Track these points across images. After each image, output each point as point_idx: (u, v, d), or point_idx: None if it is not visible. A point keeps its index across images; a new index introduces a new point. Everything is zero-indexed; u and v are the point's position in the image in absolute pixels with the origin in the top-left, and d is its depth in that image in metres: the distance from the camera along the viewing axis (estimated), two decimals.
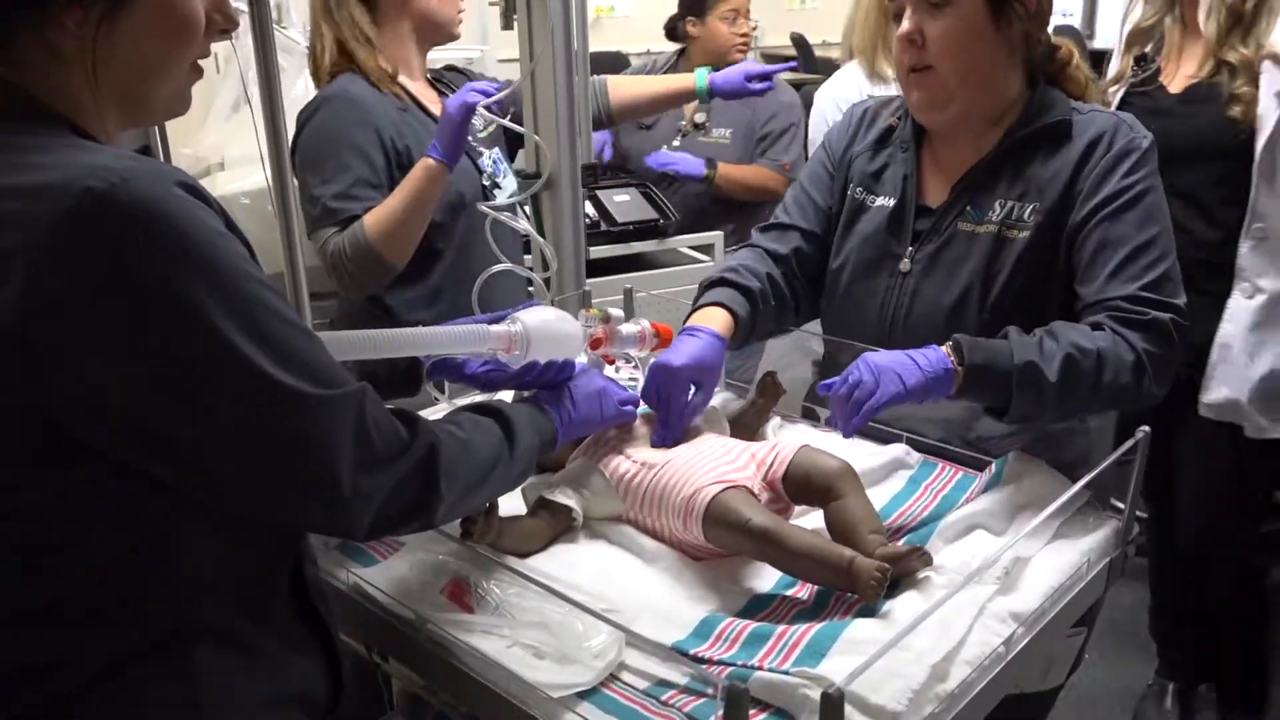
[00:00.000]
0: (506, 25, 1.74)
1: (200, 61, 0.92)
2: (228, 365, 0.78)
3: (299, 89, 2.43)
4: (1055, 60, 1.45)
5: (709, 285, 1.51)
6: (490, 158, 2.01)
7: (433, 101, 1.98)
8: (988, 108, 1.43)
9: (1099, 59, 2.48)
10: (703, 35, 3.06)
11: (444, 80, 2.09)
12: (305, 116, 1.87)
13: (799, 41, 6.80)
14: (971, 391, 1.26)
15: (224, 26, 0.92)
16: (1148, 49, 2.10)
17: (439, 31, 1.97)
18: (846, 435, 1.23)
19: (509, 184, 2.02)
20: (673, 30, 3.24)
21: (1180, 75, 2.01)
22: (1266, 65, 1.87)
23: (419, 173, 1.75)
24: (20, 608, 0.84)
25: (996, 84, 1.41)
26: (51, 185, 0.75)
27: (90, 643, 0.85)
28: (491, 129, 1.87)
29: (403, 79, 1.94)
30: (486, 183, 1.97)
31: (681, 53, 3.20)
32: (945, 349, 1.25)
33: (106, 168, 0.75)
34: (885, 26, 2.20)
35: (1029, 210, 1.38)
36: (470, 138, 1.89)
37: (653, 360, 1.36)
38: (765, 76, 2.13)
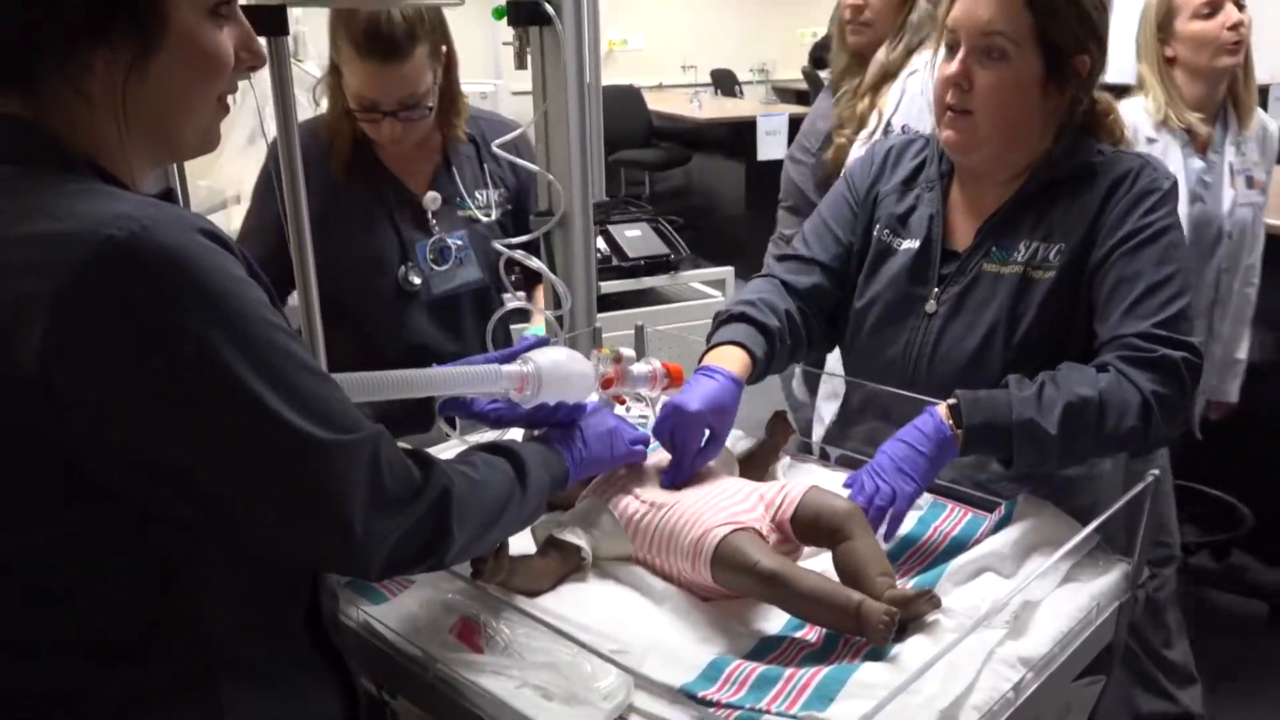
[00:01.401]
0: (520, 65, 1.76)
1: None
2: (246, 411, 0.79)
3: (308, 112, 2.46)
4: (1095, 114, 1.45)
5: (727, 319, 1.49)
6: (439, 244, 1.96)
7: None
8: (1018, 159, 1.43)
9: (1107, 92, 2.52)
10: None
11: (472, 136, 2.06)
12: None
13: (810, 76, 6.85)
14: (974, 449, 1.27)
15: (251, 63, 0.94)
16: None
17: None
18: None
19: (465, 272, 1.97)
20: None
21: None
22: None
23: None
24: (46, 640, 0.85)
25: (1031, 138, 1.42)
26: (74, 233, 0.76)
27: (115, 676, 0.86)
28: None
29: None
30: (419, 276, 1.94)
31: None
32: (943, 411, 1.27)
33: (128, 216, 0.77)
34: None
35: (1054, 251, 1.39)
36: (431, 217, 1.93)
37: (667, 400, 1.36)
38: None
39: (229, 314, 0.79)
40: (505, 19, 1.70)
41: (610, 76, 2.52)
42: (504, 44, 1.84)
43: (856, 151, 2.17)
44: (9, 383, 0.76)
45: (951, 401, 1.27)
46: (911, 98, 2.17)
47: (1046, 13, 1.33)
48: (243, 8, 0.93)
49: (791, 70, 7.04)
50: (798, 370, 2.14)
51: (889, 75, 2.19)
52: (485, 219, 1.98)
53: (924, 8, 2.19)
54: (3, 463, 0.79)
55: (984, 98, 1.37)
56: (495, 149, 1.72)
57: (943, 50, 1.41)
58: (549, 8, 1.69)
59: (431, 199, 1.92)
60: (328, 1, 1.48)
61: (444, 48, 1.89)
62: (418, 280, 1.94)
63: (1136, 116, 2.26)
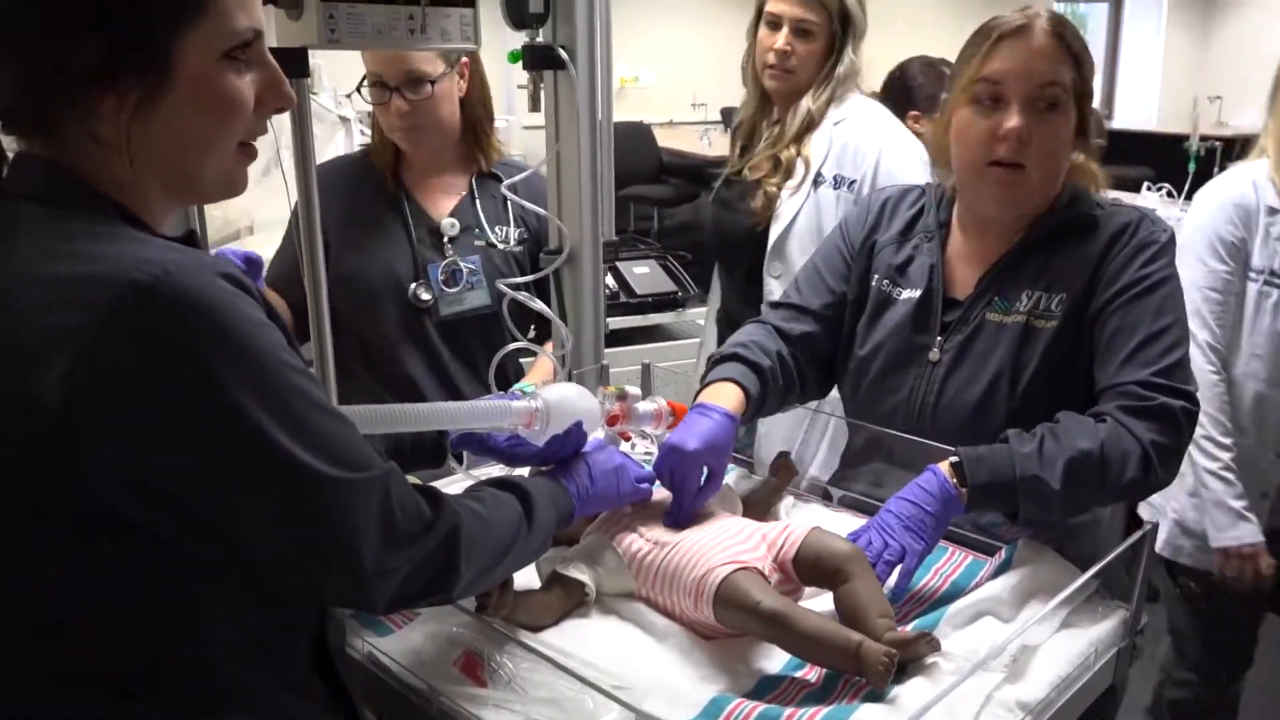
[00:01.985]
0: (534, 107, 1.79)
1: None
2: (262, 452, 0.82)
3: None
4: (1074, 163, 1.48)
5: (719, 360, 1.52)
6: (451, 265, 1.99)
7: None
8: (1042, 208, 1.46)
9: (1116, 138, 2.54)
10: None
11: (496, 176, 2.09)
12: None
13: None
14: (980, 506, 1.29)
15: (277, 106, 0.94)
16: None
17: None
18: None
19: (474, 297, 2.00)
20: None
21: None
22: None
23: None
24: (55, 669, 0.87)
25: (1057, 189, 1.45)
26: (99, 275, 0.78)
27: (122, 706, 0.88)
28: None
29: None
30: (429, 294, 1.97)
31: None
32: (946, 469, 1.28)
33: (151, 260, 0.79)
34: None
35: (1056, 301, 1.41)
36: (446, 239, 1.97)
37: (665, 440, 1.37)
38: None
39: (246, 356, 0.81)
40: (520, 63, 1.73)
41: (621, 113, 2.54)
42: (519, 87, 1.87)
43: (787, 200, 2.20)
44: (31, 416, 0.78)
45: (954, 459, 1.29)
46: (844, 147, 2.20)
47: (1081, 63, 1.38)
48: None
49: None
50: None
51: (813, 124, 2.21)
52: (502, 248, 2.02)
53: (849, 59, 2.22)
54: (21, 493, 0.82)
55: (1040, 150, 1.37)
56: (504, 190, 1.75)
57: (966, 105, 1.40)
58: (563, 53, 1.72)
59: (449, 223, 1.99)
60: (351, 45, 1.51)
61: (463, 57, 1.95)
62: (427, 297, 1.97)
63: (1258, 180, 2.04)
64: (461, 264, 1.99)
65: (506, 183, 1.75)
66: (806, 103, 2.21)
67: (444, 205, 2.02)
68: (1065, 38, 1.37)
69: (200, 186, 0.94)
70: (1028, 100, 1.35)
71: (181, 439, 0.80)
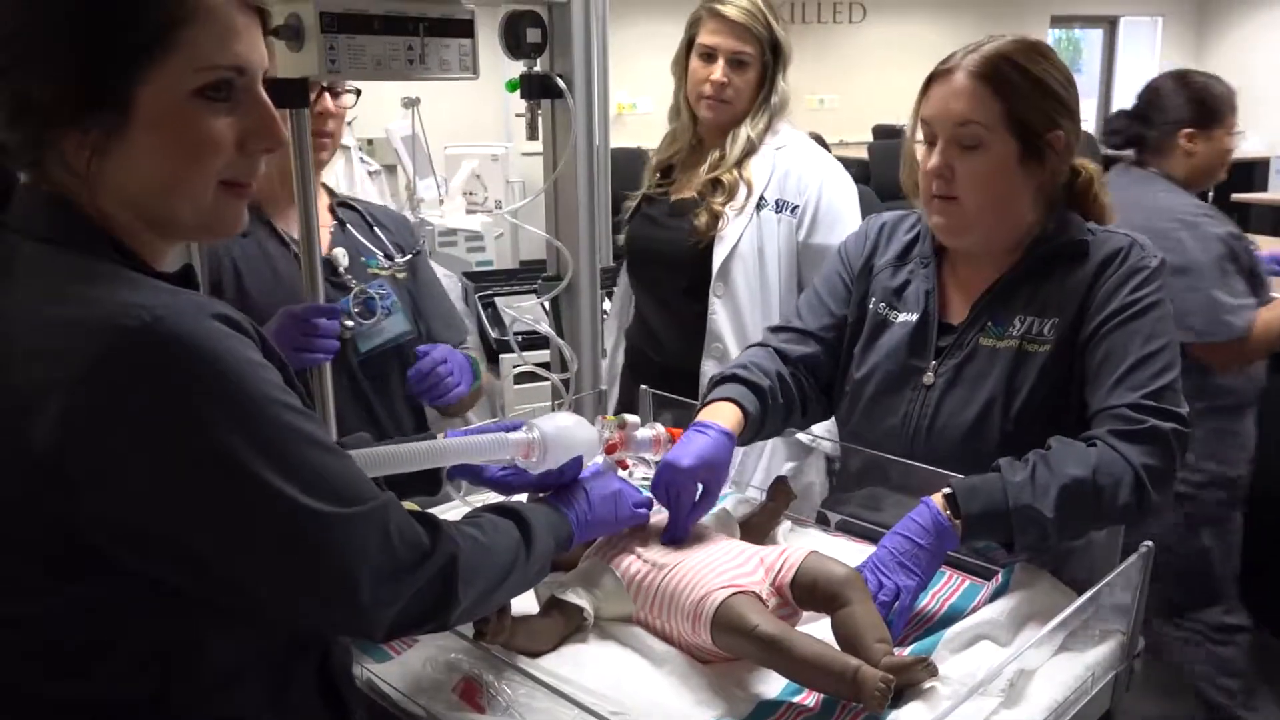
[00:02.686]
0: (532, 135, 1.81)
1: None
2: (255, 494, 0.82)
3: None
4: (1076, 186, 1.50)
5: (719, 381, 1.54)
6: (363, 294, 1.83)
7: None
8: (1009, 235, 1.48)
9: (1112, 164, 2.56)
10: None
11: (351, 206, 1.99)
12: None
13: (816, 140, 6.93)
14: (974, 537, 1.30)
15: (263, 147, 0.91)
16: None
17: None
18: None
19: (393, 324, 1.86)
20: None
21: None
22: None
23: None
24: (56, 700, 0.87)
25: (1019, 214, 1.46)
26: (90, 320, 0.79)
27: None
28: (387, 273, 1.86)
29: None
30: (348, 324, 1.81)
31: None
32: (939, 501, 1.29)
33: (141, 305, 0.79)
34: None
35: (1049, 326, 1.42)
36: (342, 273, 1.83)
37: (662, 457, 1.38)
38: None
39: (236, 397, 0.81)
40: (518, 91, 1.75)
41: (618, 139, 2.56)
42: (516, 115, 1.89)
43: (732, 221, 2.22)
44: (24, 461, 0.78)
45: (947, 491, 1.30)
46: (786, 173, 2.26)
47: (1013, 97, 1.39)
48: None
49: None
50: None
51: (754, 149, 2.26)
52: (399, 274, 1.90)
53: (782, 88, 2.27)
54: (18, 534, 0.82)
55: (966, 184, 1.42)
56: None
57: (919, 142, 1.46)
58: (560, 82, 1.74)
59: (340, 253, 1.85)
60: (351, 76, 1.53)
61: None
62: (351, 324, 1.82)
63: None
64: (371, 290, 1.84)
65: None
66: (746, 130, 2.25)
67: (319, 237, 1.84)
68: (993, 76, 1.38)
69: (178, 226, 0.91)
70: (950, 139, 1.41)
71: (173, 484, 0.80)
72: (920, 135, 1.46)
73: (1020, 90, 1.39)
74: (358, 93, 1.81)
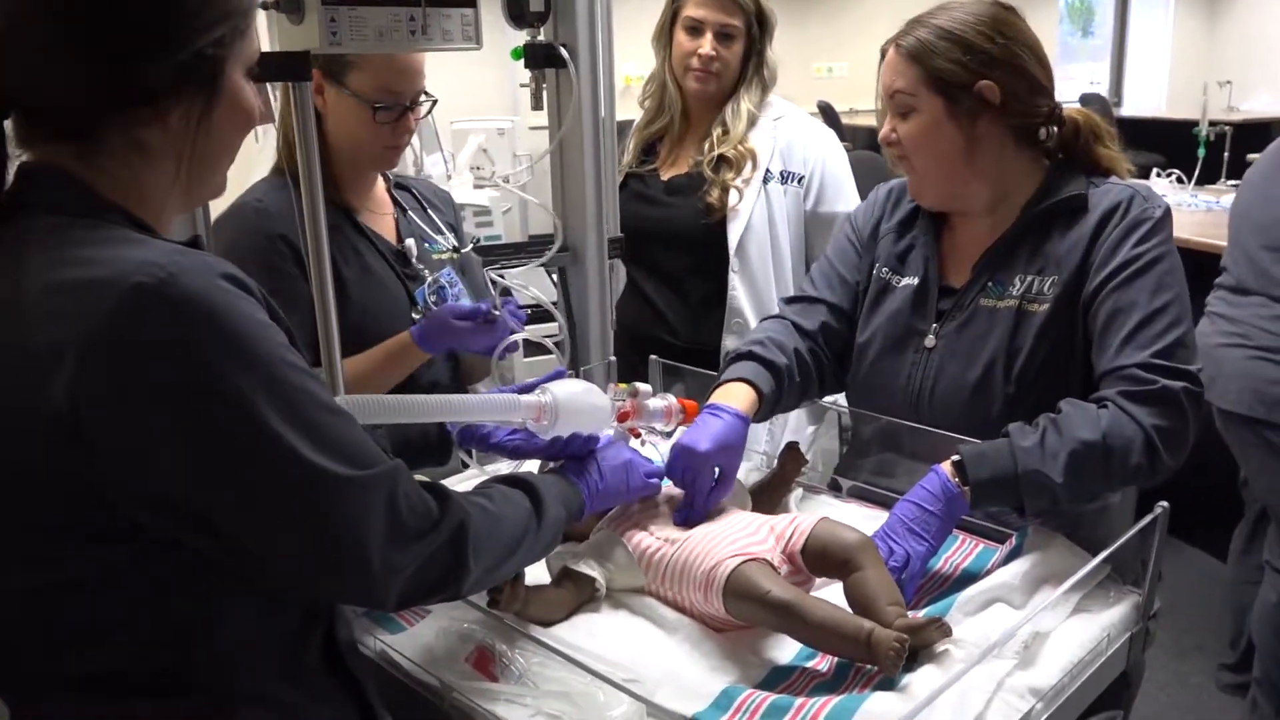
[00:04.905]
0: (536, 106, 1.80)
1: None
2: (269, 450, 0.82)
3: None
4: (1063, 136, 1.48)
5: (735, 358, 1.53)
6: (435, 284, 1.86)
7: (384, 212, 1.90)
8: (974, 190, 1.48)
9: (1124, 126, 2.54)
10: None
11: (405, 187, 1.98)
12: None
13: (825, 109, 6.90)
14: (983, 503, 1.30)
15: (263, 120, 1.00)
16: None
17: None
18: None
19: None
20: None
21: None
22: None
23: (393, 345, 1.71)
24: (70, 674, 0.88)
25: (976, 169, 1.46)
26: (103, 280, 0.79)
27: (137, 708, 0.89)
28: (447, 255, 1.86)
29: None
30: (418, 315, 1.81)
31: None
32: (948, 469, 1.29)
33: (154, 263, 0.80)
34: None
35: (1048, 283, 1.41)
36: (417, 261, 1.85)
37: (676, 440, 1.38)
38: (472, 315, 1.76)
39: (249, 355, 0.82)
40: (522, 60, 1.74)
41: (626, 111, 2.54)
42: (521, 85, 1.87)
43: (745, 196, 2.21)
44: (42, 423, 0.79)
45: (956, 458, 1.29)
46: (789, 143, 2.25)
47: (928, 59, 1.43)
48: (265, 54, 1.00)
49: (807, 104, 7.08)
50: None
51: (754, 121, 2.25)
52: (460, 253, 1.93)
53: (770, 58, 2.26)
54: (34, 502, 0.83)
55: (910, 148, 1.48)
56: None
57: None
58: (564, 51, 1.72)
59: (411, 244, 1.87)
60: (353, 48, 1.51)
61: None
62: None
63: None
64: (442, 279, 1.88)
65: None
66: (745, 103, 2.23)
67: (385, 225, 1.89)
68: (910, 45, 1.44)
69: (209, 192, 1.00)
70: (894, 109, 1.49)
71: (186, 437, 0.80)
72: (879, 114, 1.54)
73: (936, 50, 1.42)
74: (434, 102, 1.82)
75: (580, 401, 1.26)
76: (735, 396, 1.44)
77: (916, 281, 1.53)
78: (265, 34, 1.38)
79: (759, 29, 2.22)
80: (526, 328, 1.83)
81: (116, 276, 0.79)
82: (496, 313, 1.70)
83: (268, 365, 0.83)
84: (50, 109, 0.88)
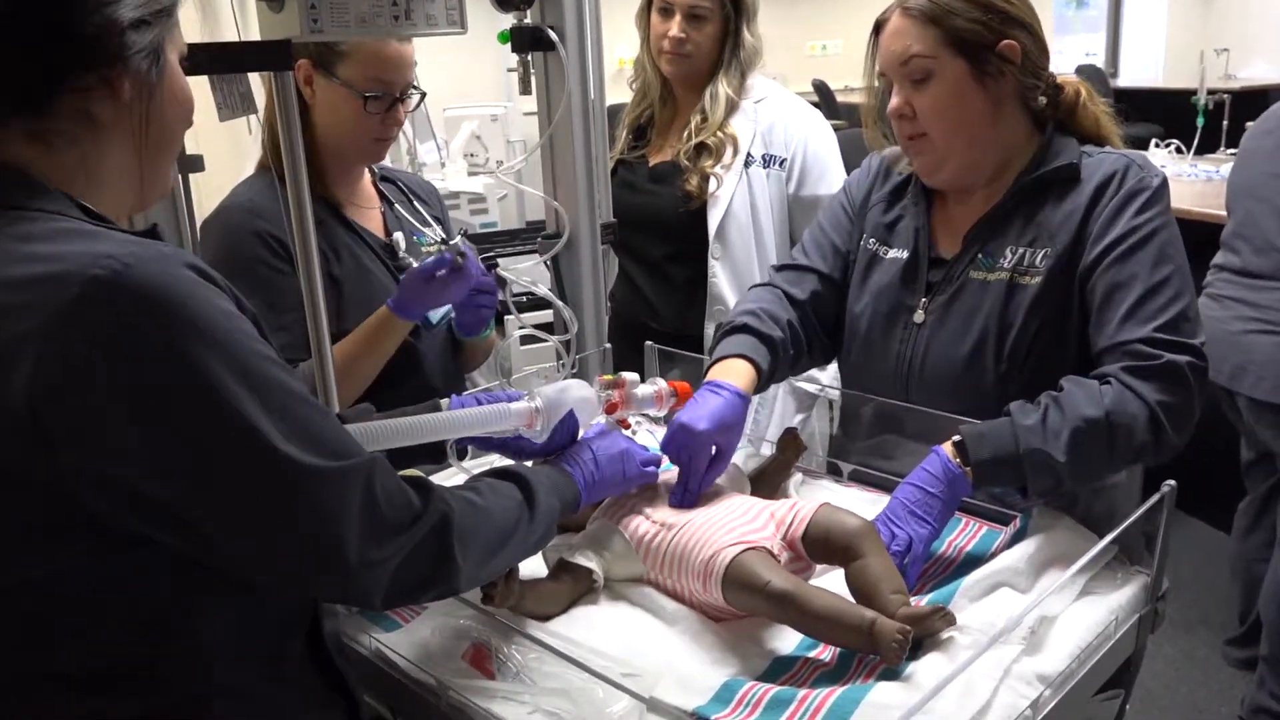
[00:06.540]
0: (525, 90, 1.77)
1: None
2: (237, 439, 0.80)
3: None
4: (1062, 103, 1.45)
5: (730, 330, 1.51)
6: (456, 248, 1.76)
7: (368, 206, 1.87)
8: (989, 160, 1.44)
9: (1121, 97, 2.50)
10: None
11: (390, 180, 1.95)
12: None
13: (820, 88, 6.86)
14: (986, 483, 1.27)
15: (247, 111, 1.00)
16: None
17: None
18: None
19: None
20: None
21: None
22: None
23: (374, 321, 1.68)
24: (46, 670, 0.86)
25: (994, 136, 1.42)
26: (60, 274, 0.77)
27: (112, 706, 0.87)
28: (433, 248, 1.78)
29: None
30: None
31: None
32: (949, 450, 1.26)
33: (110, 255, 0.78)
34: None
35: (1040, 255, 1.38)
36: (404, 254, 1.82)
37: (675, 417, 1.35)
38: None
39: (213, 343, 0.79)
40: (510, 44, 1.71)
41: (618, 95, 2.52)
42: (509, 70, 1.84)
43: (725, 181, 2.18)
44: (6, 421, 0.77)
45: (957, 438, 1.27)
46: (770, 126, 2.22)
47: (946, 19, 1.37)
48: (245, 43, 0.96)
49: (801, 83, 7.02)
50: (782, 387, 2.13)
51: (735, 106, 2.21)
52: (447, 245, 1.83)
53: (749, 40, 2.21)
54: (7, 501, 0.80)
55: (928, 118, 1.41)
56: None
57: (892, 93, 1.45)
58: (552, 33, 1.69)
59: (399, 237, 1.85)
60: (334, 36, 1.48)
61: None
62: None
63: None
64: (462, 247, 1.81)
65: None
66: (724, 88, 2.19)
67: (372, 219, 1.87)
68: (923, 6, 1.37)
69: (158, 188, 0.97)
70: (902, 79, 1.41)
71: (152, 429, 0.78)
72: (877, 91, 1.48)
73: (954, 9, 1.37)
74: (424, 95, 1.80)
75: (567, 399, 1.26)
76: (734, 373, 1.41)
77: (906, 255, 1.50)
78: (246, 24, 1.35)
79: (734, 10, 2.18)
80: (523, 316, 1.81)
81: (73, 270, 0.77)
82: (461, 258, 1.67)
83: (233, 354, 0.80)
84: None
